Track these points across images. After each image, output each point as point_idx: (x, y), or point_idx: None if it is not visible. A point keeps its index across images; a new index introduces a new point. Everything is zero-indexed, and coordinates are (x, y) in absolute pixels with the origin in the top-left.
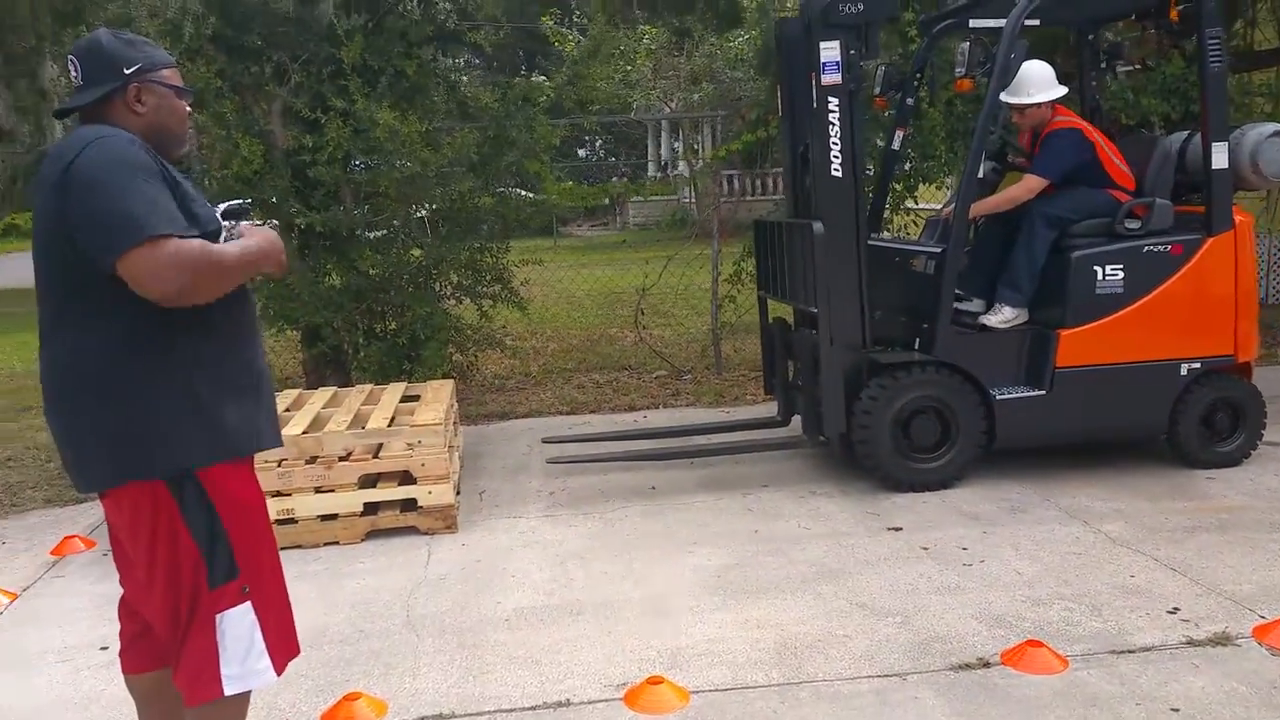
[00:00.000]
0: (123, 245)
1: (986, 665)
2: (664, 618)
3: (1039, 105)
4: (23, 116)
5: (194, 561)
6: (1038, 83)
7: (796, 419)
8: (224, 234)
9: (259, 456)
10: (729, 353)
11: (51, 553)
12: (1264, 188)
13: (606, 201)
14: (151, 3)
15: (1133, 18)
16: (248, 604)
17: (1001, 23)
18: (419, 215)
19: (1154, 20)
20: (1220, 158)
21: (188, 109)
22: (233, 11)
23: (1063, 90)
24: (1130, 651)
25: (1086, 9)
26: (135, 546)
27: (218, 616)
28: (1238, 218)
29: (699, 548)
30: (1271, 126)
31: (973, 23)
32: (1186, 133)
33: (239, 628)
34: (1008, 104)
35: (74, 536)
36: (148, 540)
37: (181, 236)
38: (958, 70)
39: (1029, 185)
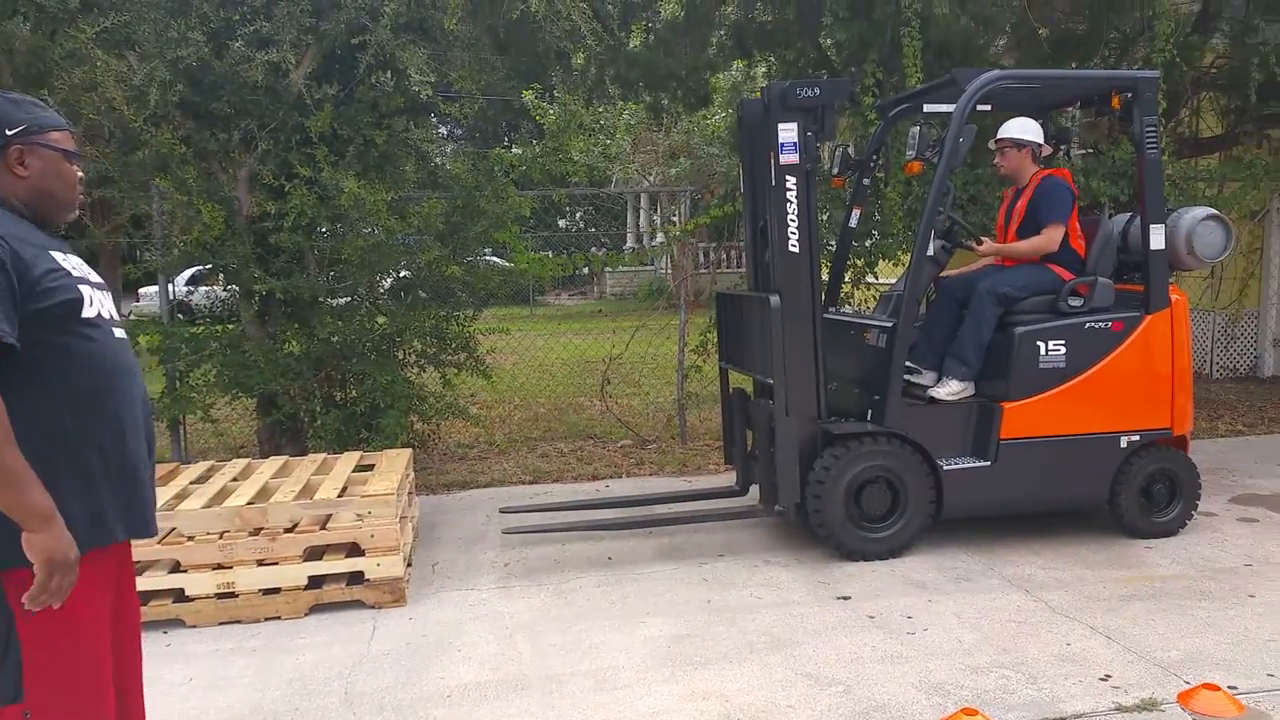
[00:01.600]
0: None
1: None
2: (610, 691)
3: (1020, 147)
4: None
5: None
6: (1021, 127)
7: (755, 488)
8: None
9: (191, 530)
10: (694, 422)
11: None
12: (1197, 268)
13: (585, 271)
14: (118, 69)
15: (1079, 105)
16: None
17: (952, 108)
18: (386, 283)
19: (1099, 108)
20: (1158, 239)
21: (79, 174)
22: (202, 79)
23: (1040, 141)
24: (1061, 719)
25: (1035, 97)
26: None
27: None
28: (1174, 296)
29: (651, 618)
30: (1205, 210)
31: (926, 107)
32: (1129, 215)
33: None
34: (996, 141)
35: None
36: None
37: None
38: (908, 153)
39: (1051, 235)
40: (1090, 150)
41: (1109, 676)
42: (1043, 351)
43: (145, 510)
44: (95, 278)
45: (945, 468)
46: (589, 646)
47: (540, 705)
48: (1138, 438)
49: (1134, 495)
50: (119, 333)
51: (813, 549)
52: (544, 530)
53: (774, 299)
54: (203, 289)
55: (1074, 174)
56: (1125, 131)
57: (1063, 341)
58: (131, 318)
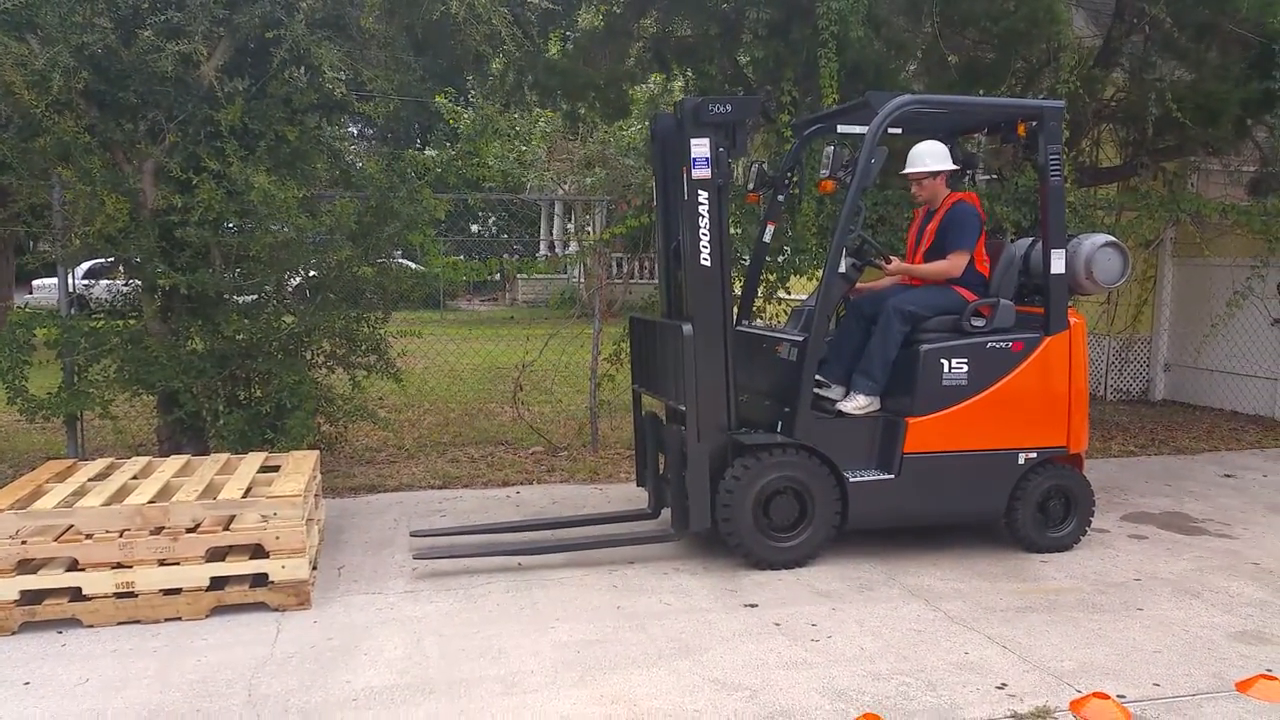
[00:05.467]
0: None
1: None
2: (518, 695)
3: (935, 175)
4: None
5: None
6: (933, 155)
7: (666, 511)
8: None
9: (89, 527)
10: (605, 431)
11: None
12: (1096, 293)
13: (497, 277)
14: (19, 52)
15: (986, 131)
16: None
17: (865, 129)
18: (294, 281)
19: (1005, 135)
20: (1058, 264)
21: None
22: (109, 67)
23: (954, 168)
24: None
25: (944, 121)
26: None
27: None
28: (1073, 319)
29: (561, 623)
30: (1104, 237)
31: (840, 127)
32: (1031, 239)
33: None
34: (906, 175)
35: None
36: None
37: None
38: (822, 172)
39: (956, 262)
40: (995, 176)
41: (1005, 685)
42: (946, 369)
43: None
44: None
45: (851, 480)
46: (498, 651)
47: (448, 709)
48: (1035, 455)
49: (1030, 510)
50: None
51: (722, 557)
52: (455, 556)
53: (686, 327)
54: (103, 283)
55: (979, 199)
56: (1029, 159)
57: (965, 360)
58: (26, 309)
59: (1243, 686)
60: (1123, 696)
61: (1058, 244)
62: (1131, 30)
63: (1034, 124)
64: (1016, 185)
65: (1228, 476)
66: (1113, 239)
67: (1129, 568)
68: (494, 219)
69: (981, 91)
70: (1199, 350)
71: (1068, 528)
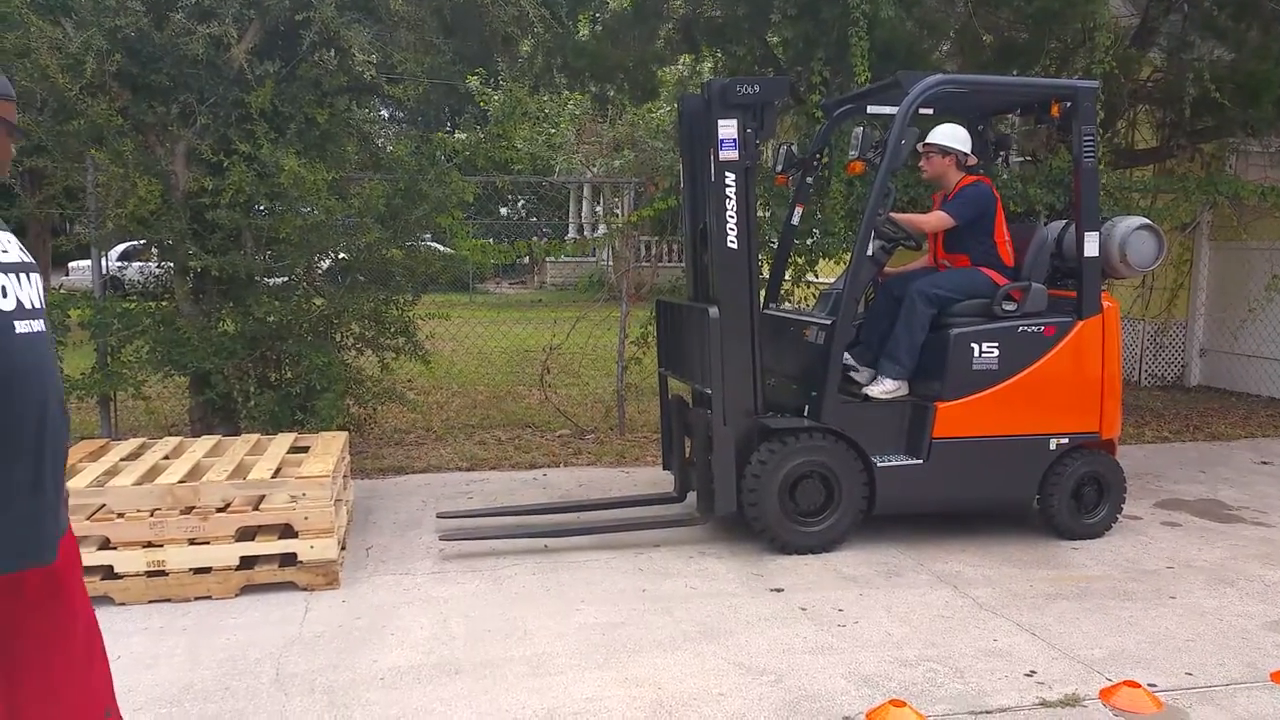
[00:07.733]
0: None
1: None
2: (544, 676)
3: (944, 154)
4: None
5: None
6: (948, 133)
7: (693, 495)
8: None
9: (121, 506)
10: (632, 414)
11: None
12: (1130, 276)
13: (525, 260)
14: (53, 35)
15: (1019, 112)
16: None
17: (895, 110)
18: (324, 264)
19: (1038, 116)
20: (1091, 246)
21: (13, 150)
22: (140, 50)
23: (971, 155)
24: (987, 712)
25: (976, 102)
26: None
27: None
28: (1106, 303)
29: (587, 606)
30: (1139, 220)
31: (870, 108)
32: (1064, 222)
33: None
34: (923, 145)
35: None
36: None
37: None
38: (851, 153)
39: (940, 218)
40: (1028, 158)
41: (1034, 672)
42: (976, 353)
43: (22, 543)
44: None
45: (879, 465)
46: (524, 632)
47: (474, 689)
48: (1067, 440)
49: (1062, 497)
50: (25, 325)
51: (747, 541)
52: (481, 537)
53: (713, 310)
54: (136, 265)
55: (1012, 181)
56: (1063, 140)
57: (996, 344)
58: (61, 291)
59: (1278, 677)
60: (1154, 685)
61: (1091, 226)
62: (1169, 9)
63: (1068, 104)
64: (1050, 167)
65: (1264, 463)
66: (1147, 221)
67: (1162, 555)
68: (523, 202)
69: (1015, 72)
70: (1235, 335)
71: (1099, 514)
